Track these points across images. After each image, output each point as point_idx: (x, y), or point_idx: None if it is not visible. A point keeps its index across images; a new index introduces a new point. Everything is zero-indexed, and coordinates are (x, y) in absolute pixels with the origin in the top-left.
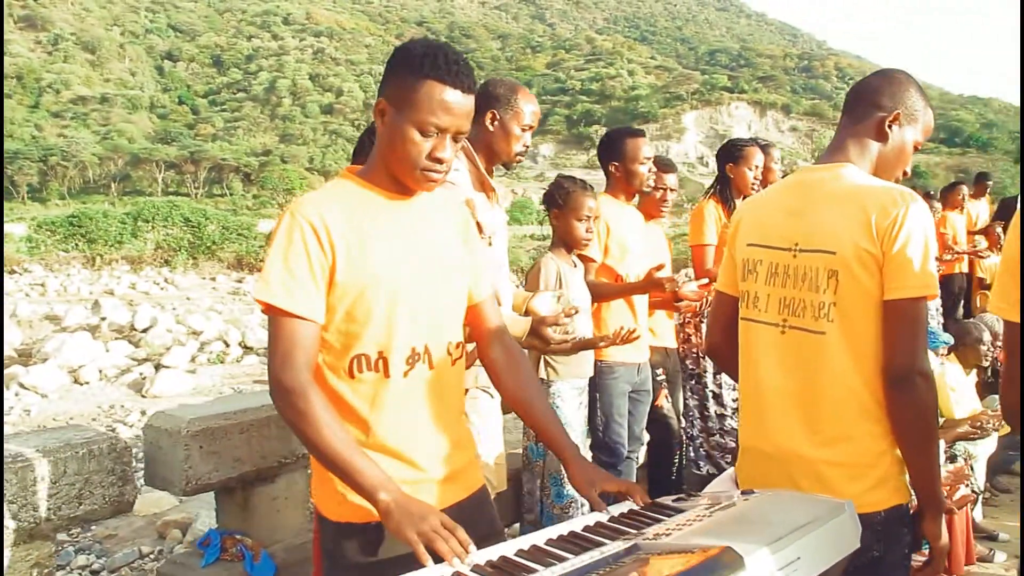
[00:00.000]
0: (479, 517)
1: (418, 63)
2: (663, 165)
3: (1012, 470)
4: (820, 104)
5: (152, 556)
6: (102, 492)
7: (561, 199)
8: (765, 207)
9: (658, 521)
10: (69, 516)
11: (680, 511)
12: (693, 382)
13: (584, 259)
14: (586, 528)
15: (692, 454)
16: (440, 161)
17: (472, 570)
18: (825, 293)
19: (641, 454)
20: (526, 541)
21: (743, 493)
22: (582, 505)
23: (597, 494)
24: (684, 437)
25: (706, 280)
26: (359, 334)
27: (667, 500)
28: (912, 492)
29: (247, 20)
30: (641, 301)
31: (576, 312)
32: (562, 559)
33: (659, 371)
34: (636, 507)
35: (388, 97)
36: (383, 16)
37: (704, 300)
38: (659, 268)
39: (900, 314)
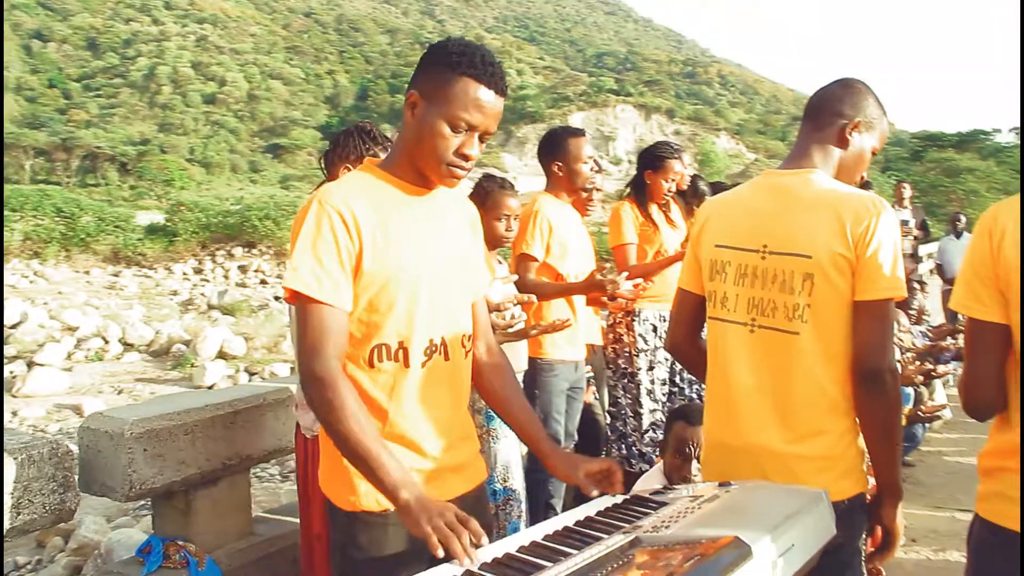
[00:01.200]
0: (480, 510)
1: (456, 60)
2: (596, 167)
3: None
4: (703, 109)
5: (30, 567)
6: (42, 500)
7: (480, 199)
8: (732, 209)
9: (649, 515)
10: (7, 527)
11: (665, 504)
12: (626, 380)
13: (526, 258)
14: (579, 523)
15: (624, 451)
16: (467, 158)
17: (483, 569)
18: (800, 295)
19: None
20: (523, 538)
21: (721, 485)
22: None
23: (583, 477)
24: (615, 435)
25: (640, 280)
26: (380, 324)
27: (646, 494)
28: (869, 480)
29: (125, 3)
30: (580, 300)
31: (532, 302)
32: (567, 554)
33: (587, 368)
34: (616, 502)
35: (421, 91)
36: (269, 5)
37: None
38: (601, 269)
39: (872, 314)
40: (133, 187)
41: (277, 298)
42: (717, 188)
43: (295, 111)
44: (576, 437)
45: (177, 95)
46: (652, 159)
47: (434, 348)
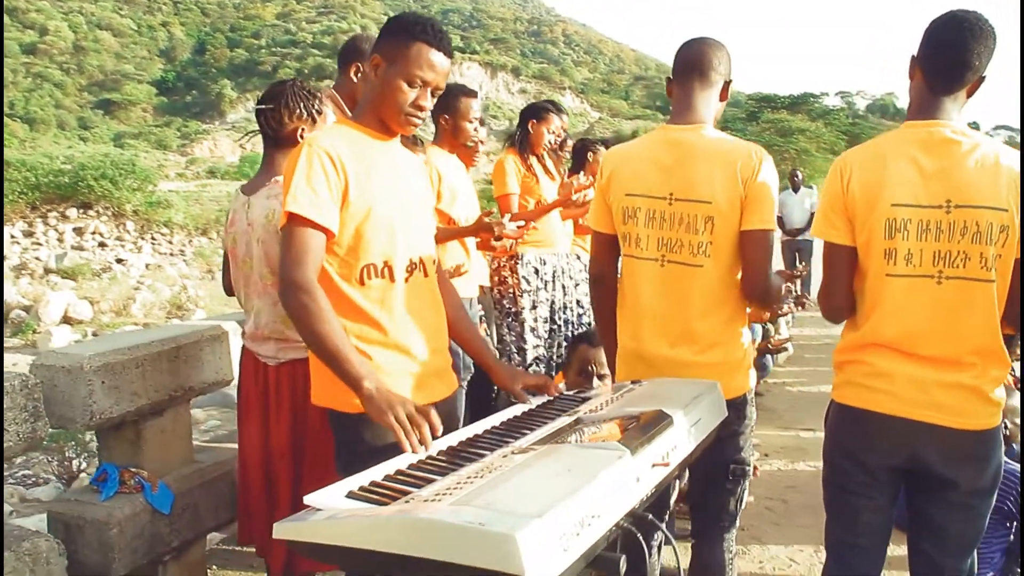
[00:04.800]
0: (453, 411)
1: (412, 29)
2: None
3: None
4: (548, 68)
5: None
6: (16, 429)
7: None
8: (637, 161)
9: (579, 404)
10: None
11: (590, 398)
12: (511, 319)
13: None
14: (522, 415)
15: None
16: (421, 109)
17: (450, 450)
18: (703, 235)
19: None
20: (471, 430)
21: (632, 383)
22: None
23: (520, 388)
24: None
25: (523, 223)
26: (368, 247)
27: (570, 393)
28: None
29: None
30: (472, 243)
31: None
32: (522, 435)
33: (479, 306)
34: (548, 399)
35: (383, 54)
36: None
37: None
38: (488, 213)
39: (756, 242)
40: None
41: (120, 260)
42: (577, 145)
43: (127, 64)
44: (472, 370)
45: None
46: (536, 110)
47: (414, 266)
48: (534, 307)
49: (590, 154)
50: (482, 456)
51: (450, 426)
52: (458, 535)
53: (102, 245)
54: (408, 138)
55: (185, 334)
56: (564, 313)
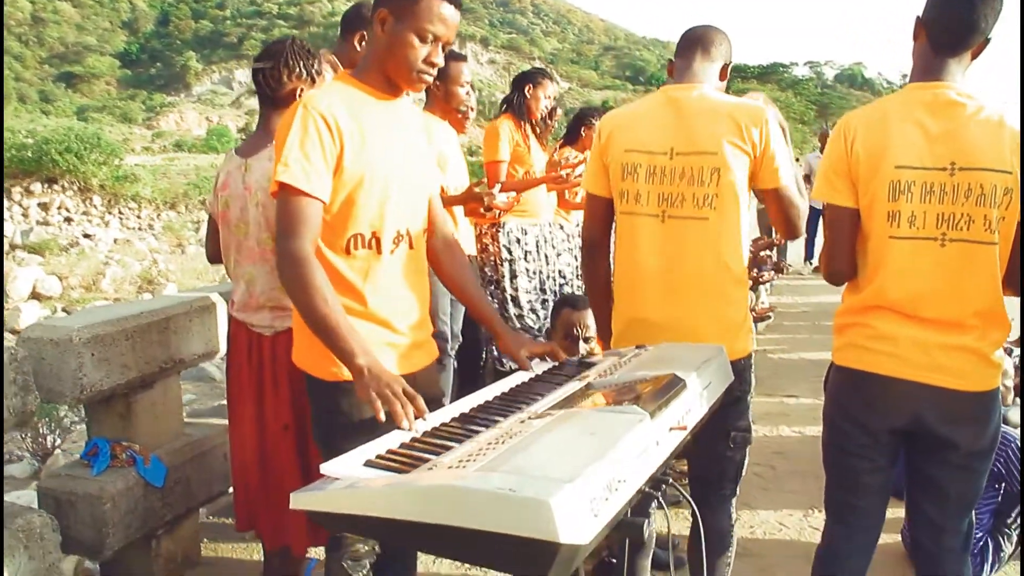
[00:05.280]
0: (433, 380)
1: None
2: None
3: None
4: (517, 38)
5: None
6: (7, 404)
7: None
8: (637, 120)
9: (588, 369)
10: None
11: (593, 364)
12: (492, 287)
13: None
14: (530, 381)
15: (496, 353)
16: (433, 65)
17: (463, 417)
18: (709, 186)
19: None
20: (486, 394)
21: (638, 347)
22: None
23: (525, 355)
24: (484, 339)
25: (515, 193)
26: (356, 216)
27: (574, 360)
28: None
29: None
30: (459, 211)
31: None
32: (531, 402)
33: None
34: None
35: (391, 9)
36: None
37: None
38: (479, 183)
39: (777, 198)
40: None
41: (87, 235)
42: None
43: (88, 36)
44: (461, 338)
45: None
46: (532, 75)
47: (400, 237)
48: (514, 276)
49: (583, 128)
50: (497, 422)
51: (432, 392)
52: (488, 502)
53: (68, 220)
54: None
55: (174, 305)
56: (547, 283)
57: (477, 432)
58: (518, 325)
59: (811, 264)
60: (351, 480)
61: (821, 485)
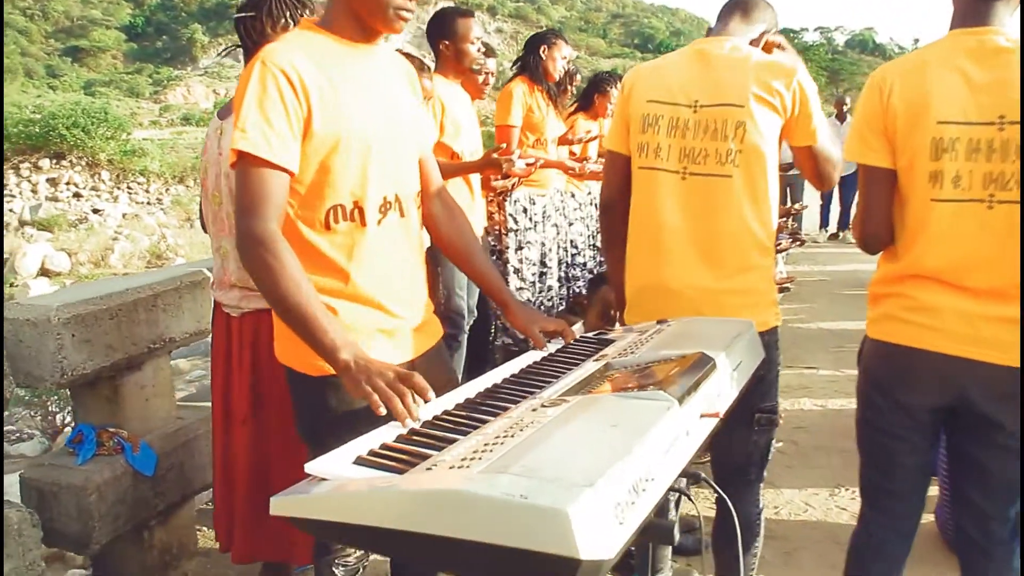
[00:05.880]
0: (440, 364)
1: None
2: (486, 50)
3: None
4: (524, 7)
5: None
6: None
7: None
8: (661, 71)
9: (604, 348)
10: None
11: (612, 340)
12: (495, 258)
13: None
14: (543, 360)
15: (505, 327)
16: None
17: (468, 404)
18: (732, 141)
19: None
20: (494, 377)
21: (659, 323)
22: None
23: (537, 331)
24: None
25: (533, 159)
26: (334, 184)
27: (590, 336)
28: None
29: None
30: (476, 181)
31: None
32: (549, 383)
33: None
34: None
35: None
36: None
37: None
38: (497, 149)
39: (812, 155)
40: None
41: (96, 211)
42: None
43: (93, 10)
44: (476, 313)
45: None
46: (545, 36)
47: (388, 205)
48: (519, 248)
49: (597, 96)
50: (507, 410)
51: (441, 376)
52: (495, 510)
53: (77, 196)
54: (416, 67)
55: (162, 281)
56: (556, 253)
57: (484, 422)
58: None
59: (826, 231)
60: (339, 481)
61: (847, 461)
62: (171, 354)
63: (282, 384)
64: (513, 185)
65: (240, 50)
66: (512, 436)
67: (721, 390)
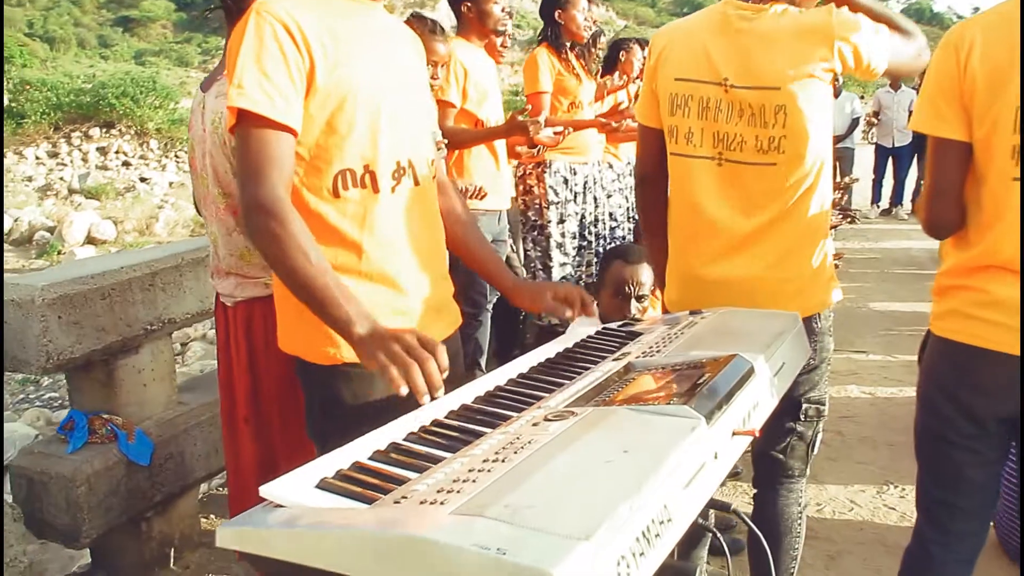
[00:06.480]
0: (456, 357)
1: None
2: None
3: None
4: None
5: None
6: None
7: None
8: (689, 39)
9: (627, 343)
10: None
11: (638, 333)
12: (536, 233)
13: (443, 104)
14: (558, 356)
15: None
16: None
17: (464, 411)
18: (774, 128)
19: None
20: (497, 377)
21: (692, 313)
22: None
23: (552, 301)
24: None
25: (561, 128)
26: (342, 147)
27: (613, 327)
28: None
29: None
30: (502, 146)
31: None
32: (558, 386)
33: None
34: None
35: None
36: None
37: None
38: (521, 112)
39: (891, 72)
40: None
41: (143, 179)
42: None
43: None
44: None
45: None
46: None
47: (402, 171)
48: (561, 221)
49: (622, 53)
50: (506, 420)
51: (455, 371)
52: (464, 565)
53: (126, 164)
54: (429, 28)
55: (161, 258)
56: (596, 227)
57: (476, 435)
58: (561, 275)
59: (878, 207)
60: (295, 512)
61: (895, 455)
62: (171, 336)
63: (280, 378)
64: (539, 152)
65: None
66: (503, 460)
67: (758, 399)
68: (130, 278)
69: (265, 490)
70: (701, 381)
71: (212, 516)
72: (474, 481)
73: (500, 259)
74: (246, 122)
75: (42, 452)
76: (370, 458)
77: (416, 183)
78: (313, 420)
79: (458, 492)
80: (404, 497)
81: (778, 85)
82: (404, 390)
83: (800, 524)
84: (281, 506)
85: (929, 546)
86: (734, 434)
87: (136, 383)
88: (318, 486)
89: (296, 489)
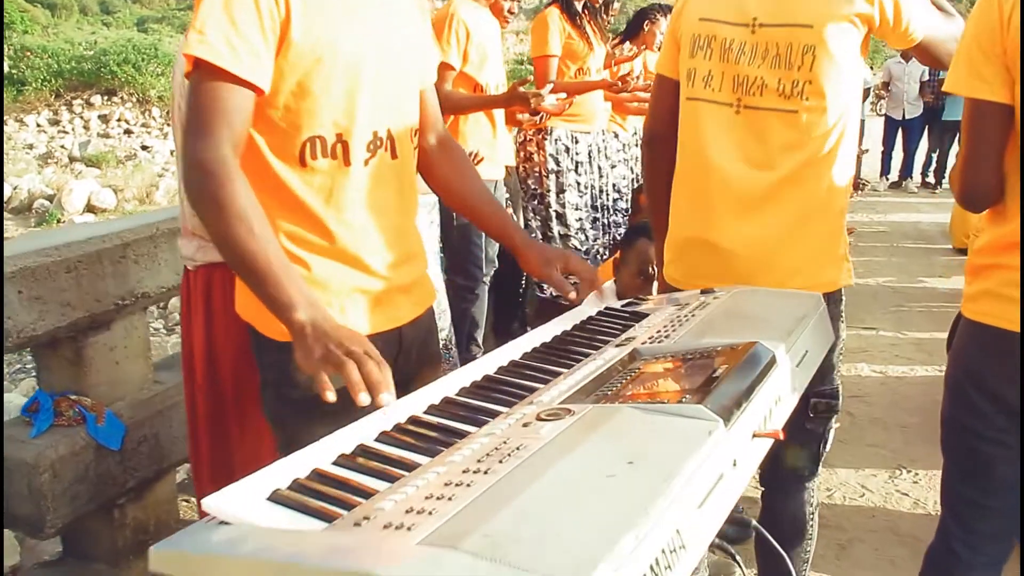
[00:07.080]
0: (430, 337)
1: None
2: None
3: None
4: None
5: None
6: None
7: None
8: None
9: (632, 326)
10: None
11: (644, 314)
12: (536, 202)
13: (442, 67)
14: (556, 340)
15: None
16: None
17: (445, 405)
18: (799, 70)
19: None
20: (486, 365)
21: (703, 293)
22: None
23: (557, 275)
24: None
25: (565, 95)
26: (314, 111)
27: (617, 307)
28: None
29: None
30: (500, 115)
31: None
32: (555, 375)
33: (504, 189)
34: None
35: None
36: None
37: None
38: (523, 83)
39: (928, 49)
40: None
41: (145, 147)
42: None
43: None
44: (496, 263)
45: None
46: None
47: (379, 142)
48: (562, 190)
49: (647, 23)
50: (493, 418)
51: (428, 351)
52: None
53: (128, 132)
54: None
55: (134, 228)
56: (600, 198)
57: (459, 436)
58: (563, 247)
59: (887, 179)
60: (242, 531)
61: (907, 437)
62: (146, 311)
63: (238, 350)
64: (541, 119)
65: None
66: (485, 471)
67: (781, 394)
68: (99, 250)
69: (209, 503)
70: (717, 374)
71: (192, 500)
72: (450, 499)
73: (507, 214)
74: (203, 71)
75: (6, 435)
76: (334, 463)
77: (394, 156)
78: (267, 401)
79: (429, 514)
80: (366, 518)
81: (811, 23)
82: (331, 396)
83: (812, 524)
84: (223, 524)
85: (956, 546)
86: (754, 436)
87: (108, 361)
88: (271, 498)
89: (245, 503)
